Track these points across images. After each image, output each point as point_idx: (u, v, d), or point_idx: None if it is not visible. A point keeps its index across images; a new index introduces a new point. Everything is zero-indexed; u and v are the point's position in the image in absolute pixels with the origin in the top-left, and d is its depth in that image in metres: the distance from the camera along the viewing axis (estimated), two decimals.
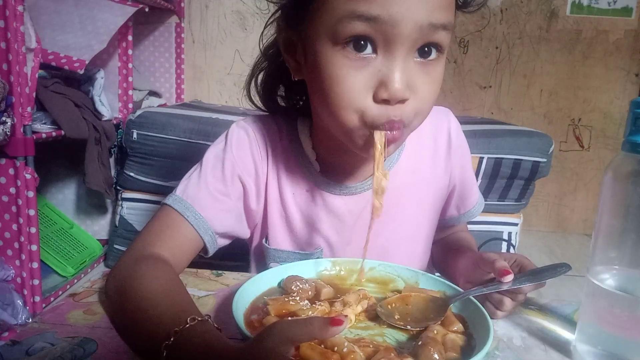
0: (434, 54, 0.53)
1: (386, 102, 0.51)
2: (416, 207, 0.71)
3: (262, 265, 0.72)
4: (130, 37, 1.78)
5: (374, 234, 0.69)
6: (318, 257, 0.69)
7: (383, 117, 0.52)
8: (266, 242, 0.70)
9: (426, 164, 0.71)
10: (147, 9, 1.75)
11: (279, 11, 0.61)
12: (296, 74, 0.61)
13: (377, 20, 0.48)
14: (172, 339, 0.40)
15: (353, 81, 0.52)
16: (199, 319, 0.41)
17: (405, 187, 0.70)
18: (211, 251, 0.63)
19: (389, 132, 0.53)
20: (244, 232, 0.69)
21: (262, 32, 0.64)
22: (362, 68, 0.51)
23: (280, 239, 0.69)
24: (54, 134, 1.39)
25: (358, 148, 0.57)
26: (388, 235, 0.70)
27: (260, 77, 0.69)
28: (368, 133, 0.54)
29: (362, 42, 0.50)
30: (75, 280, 1.64)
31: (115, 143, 1.71)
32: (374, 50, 0.51)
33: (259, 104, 0.71)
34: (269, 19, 0.62)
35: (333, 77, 0.53)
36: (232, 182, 0.64)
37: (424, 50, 0.52)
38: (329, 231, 0.68)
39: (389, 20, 0.48)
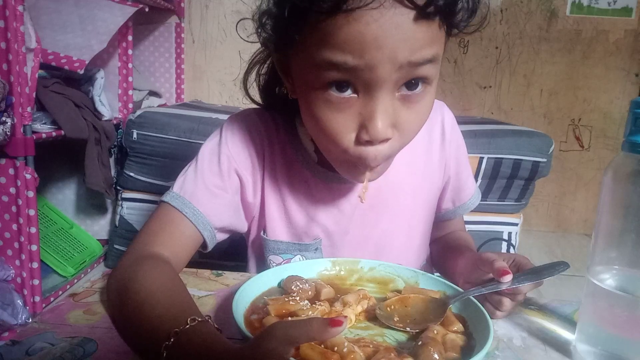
0: (420, 87, 0.52)
1: (369, 143, 0.52)
2: (412, 198, 0.72)
3: (261, 258, 0.73)
4: (130, 37, 1.78)
5: (370, 226, 0.70)
6: (317, 248, 0.69)
7: (363, 159, 0.53)
8: (264, 234, 0.70)
9: (421, 156, 0.72)
10: (147, 9, 1.75)
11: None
12: (292, 94, 0.61)
13: (355, 68, 0.48)
14: (172, 340, 0.40)
15: (335, 123, 0.52)
16: (199, 319, 0.41)
17: (400, 179, 0.70)
18: (210, 246, 0.64)
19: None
20: (242, 226, 0.69)
21: (259, 29, 0.63)
22: (343, 110, 0.51)
23: (278, 231, 0.69)
24: (54, 134, 1.39)
25: (345, 176, 0.60)
26: (385, 227, 0.71)
27: (261, 71, 0.69)
28: (352, 167, 0.56)
29: (344, 84, 0.50)
30: (75, 280, 1.64)
31: (115, 143, 1.71)
32: (355, 91, 0.51)
33: (256, 98, 0.71)
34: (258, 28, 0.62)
35: (316, 117, 0.53)
36: (229, 176, 0.65)
37: (410, 83, 0.51)
38: (328, 221, 0.69)
39: (366, 67, 0.48)
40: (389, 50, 0.47)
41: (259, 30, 0.56)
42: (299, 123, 0.68)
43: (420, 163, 0.72)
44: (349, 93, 0.51)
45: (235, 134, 0.66)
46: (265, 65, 0.68)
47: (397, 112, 0.52)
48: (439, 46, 0.51)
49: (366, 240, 0.70)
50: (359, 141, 0.52)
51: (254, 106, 0.72)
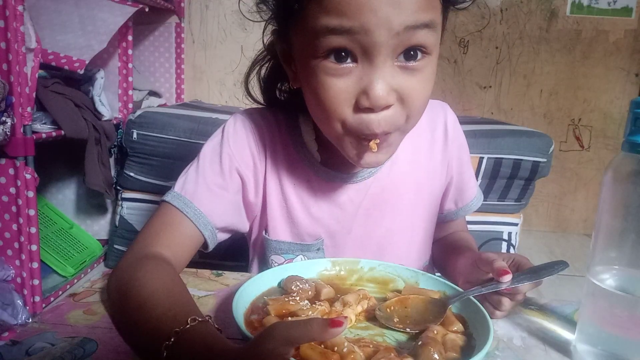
0: (419, 57, 0.52)
1: (370, 110, 0.52)
2: (414, 196, 0.72)
3: (263, 258, 0.73)
4: (130, 37, 1.78)
5: (373, 225, 0.70)
6: (319, 249, 0.69)
7: (364, 128, 0.53)
8: (266, 234, 0.70)
9: (423, 154, 0.72)
10: (147, 9, 1.75)
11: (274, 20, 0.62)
12: (294, 83, 0.61)
13: (351, 31, 0.49)
14: (172, 340, 0.40)
15: (335, 92, 0.52)
16: (200, 319, 0.41)
17: (403, 177, 0.70)
18: (211, 246, 0.64)
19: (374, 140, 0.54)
20: (243, 226, 0.69)
21: (264, 31, 0.64)
22: (343, 78, 0.52)
23: (280, 230, 0.69)
24: (54, 134, 1.39)
25: (350, 157, 0.58)
26: (387, 226, 0.71)
27: (262, 71, 0.70)
28: (356, 141, 0.55)
29: (343, 54, 0.51)
30: (75, 280, 1.64)
31: (115, 143, 1.71)
32: (354, 60, 0.51)
33: (258, 98, 0.72)
34: (266, 23, 0.63)
35: (316, 88, 0.54)
36: (230, 175, 0.65)
37: (409, 54, 0.52)
38: (330, 220, 0.69)
39: (363, 30, 0.48)
40: (384, 13, 0.48)
41: (260, 5, 0.58)
42: (301, 121, 0.68)
43: (423, 162, 0.72)
44: (348, 62, 0.51)
45: (237, 133, 0.66)
46: (267, 64, 0.69)
47: (397, 80, 0.52)
48: (435, 13, 0.52)
49: (368, 239, 0.70)
50: (359, 109, 0.52)
51: (255, 106, 0.72)
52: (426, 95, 0.56)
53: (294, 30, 0.55)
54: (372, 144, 0.54)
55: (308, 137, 0.67)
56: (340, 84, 0.52)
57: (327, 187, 0.68)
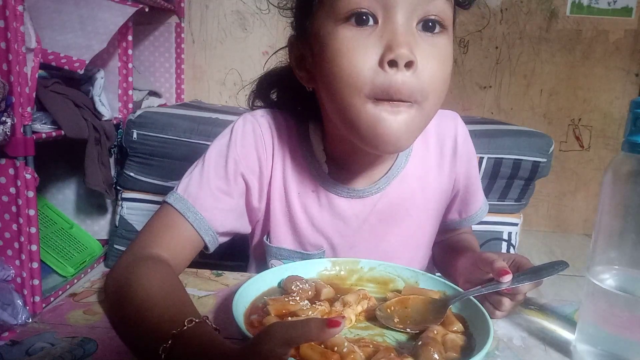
0: (437, 29, 0.54)
1: (393, 64, 0.51)
2: (421, 212, 0.71)
3: (262, 263, 0.72)
4: (130, 37, 1.78)
5: (377, 238, 0.69)
6: (320, 258, 0.69)
7: (385, 86, 0.52)
8: (267, 240, 0.69)
9: (432, 169, 0.71)
10: (147, 9, 1.75)
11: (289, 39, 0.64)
12: (309, 84, 0.61)
13: None
14: (169, 342, 0.40)
15: (356, 50, 0.53)
16: (197, 320, 0.41)
17: (412, 193, 0.69)
18: (212, 249, 0.63)
19: (394, 105, 0.53)
20: (245, 229, 0.69)
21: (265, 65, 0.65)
22: (365, 38, 0.53)
23: (282, 238, 0.69)
24: (54, 134, 1.39)
25: (365, 138, 0.55)
26: (392, 240, 0.70)
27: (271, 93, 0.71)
28: (372, 112, 0.53)
29: (364, 17, 0.52)
30: (75, 280, 1.64)
31: (115, 143, 1.71)
32: (375, 22, 0.53)
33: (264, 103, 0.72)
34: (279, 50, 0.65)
35: (337, 51, 0.54)
36: (235, 180, 0.64)
37: (427, 25, 0.54)
38: (333, 233, 0.68)
39: None
40: None
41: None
42: (311, 130, 0.67)
43: (432, 176, 0.71)
44: (370, 24, 0.53)
45: (245, 136, 0.65)
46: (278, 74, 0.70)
47: (418, 44, 0.53)
48: None
49: (371, 255, 0.69)
50: (382, 64, 0.52)
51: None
52: (444, 71, 0.55)
53: (316, 16, 0.56)
54: (389, 104, 0.53)
55: (317, 147, 0.67)
56: (361, 44, 0.53)
57: (332, 200, 0.67)
